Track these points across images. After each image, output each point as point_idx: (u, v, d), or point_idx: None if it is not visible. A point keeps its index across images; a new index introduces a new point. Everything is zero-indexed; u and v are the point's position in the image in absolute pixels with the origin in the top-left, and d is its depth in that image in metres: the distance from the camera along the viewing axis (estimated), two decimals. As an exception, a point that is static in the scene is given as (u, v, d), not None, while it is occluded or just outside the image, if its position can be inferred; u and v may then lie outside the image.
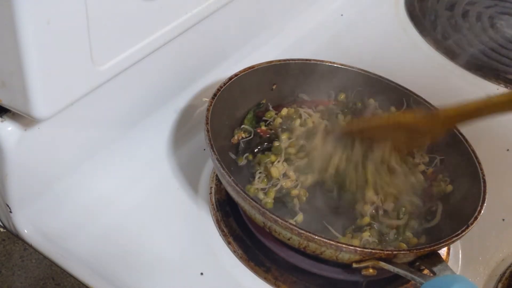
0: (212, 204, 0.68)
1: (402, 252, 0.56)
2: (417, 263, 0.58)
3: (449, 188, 0.68)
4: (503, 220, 0.72)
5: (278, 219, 0.56)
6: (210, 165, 0.73)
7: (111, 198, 0.67)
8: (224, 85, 0.68)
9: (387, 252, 0.56)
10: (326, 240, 0.55)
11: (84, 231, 0.64)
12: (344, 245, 0.55)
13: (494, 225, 0.69)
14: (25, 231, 0.61)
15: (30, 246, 0.61)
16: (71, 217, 0.64)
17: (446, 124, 0.66)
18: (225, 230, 0.66)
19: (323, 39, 0.93)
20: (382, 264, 0.56)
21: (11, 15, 0.45)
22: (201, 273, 0.62)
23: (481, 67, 0.93)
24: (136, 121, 0.70)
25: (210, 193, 0.69)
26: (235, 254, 0.65)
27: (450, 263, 0.65)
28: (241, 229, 0.66)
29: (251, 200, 0.58)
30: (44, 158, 0.60)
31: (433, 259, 0.57)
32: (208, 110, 0.65)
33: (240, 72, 0.70)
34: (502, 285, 0.65)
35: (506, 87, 0.90)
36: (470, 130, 0.70)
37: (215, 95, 0.67)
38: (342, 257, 0.56)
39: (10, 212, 0.60)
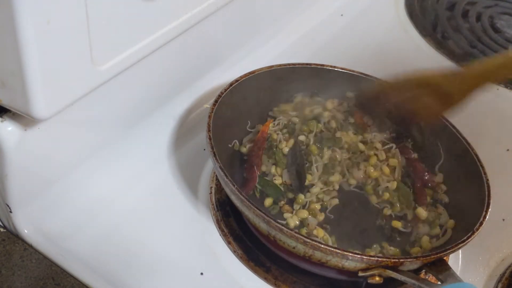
0: (212, 204, 0.68)
1: (408, 260, 0.56)
2: (424, 270, 0.58)
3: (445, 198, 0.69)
4: (503, 220, 0.72)
5: (283, 227, 0.56)
6: (210, 165, 0.73)
7: (111, 198, 0.67)
8: (225, 91, 0.68)
9: (394, 260, 0.56)
10: (332, 249, 0.55)
11: (84, 231, 0.64)
12: (350, 254, 0.55)
13: (494, 225, 0.69)
14: (25, 231, 0.61)
15: (30, 246, 0.61)
16: (71, 217, 0.64)
17: (473, 84, 0.64)
18: (225, 230, 0.66)
19: (323, 39, 0.93)
20: (389, 272, 0.56)
21: (11, 15, 0.45)
22: (201, 273, 0.62)
23: (481, 67, 0.93)
24: (136, 121, 0.70)
25: (210, 193, 0.69)
26: (235, 254, 0.65)
27: (450, 263, 0.64)
28: (241, 229, 0.66)
29: (255, 209, 0.58)
30: (44, 158, 0.60)
31: (439, 266, 0.57)
32: (209, 117, 0.65)
33: (241, 77, 0.70)
34: (502, 285, 0.65)
35: (506, 87, 0.90)
36: (470, 130, 0.70)
37: (216, 101, 0.67)
38: (348, 265, 0.56)
39: (10, 212, 0.60)
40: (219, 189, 0.69)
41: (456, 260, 0.67)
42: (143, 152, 0.71)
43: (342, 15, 0.98)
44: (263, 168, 0.70)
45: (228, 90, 0.69)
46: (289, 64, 0.74)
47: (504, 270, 0.67)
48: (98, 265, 0.61)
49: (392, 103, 0.69)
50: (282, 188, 0.68)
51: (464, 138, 0.69)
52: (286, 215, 0.65)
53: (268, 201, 0.67)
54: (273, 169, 0.69)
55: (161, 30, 0.60)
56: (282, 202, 0.67)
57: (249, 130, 0.73)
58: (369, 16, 1.00)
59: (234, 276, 0.63)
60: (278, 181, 0.68)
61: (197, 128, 0.75)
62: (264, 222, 0.58)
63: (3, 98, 0.52)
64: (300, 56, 0.82)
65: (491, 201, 0.62)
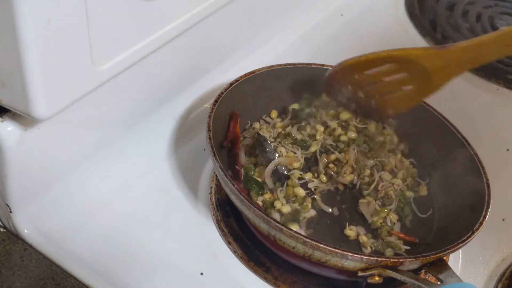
0: (212, 204, 0.68)
1: (408, 259, 0.56)
2: (424, 270, 0.58)
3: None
4: (503, 220, 0.72)
5: (283, 227, 0.56)
6: (210, 165, 0.73)
7: (111, 198, 0.67)
8: (225, 91, 0.68)
9: (393, 260, 0.56)
10: (332, 249, 0.55)
11: (84, 231, 0.64)
12: (349, 254, 0.55)
13: (494, 225, 0.69)
14: (25, 231, 0.61)
15: (30, 246, 0.61)
16: (71, 217, 0.64)
17: (458, 65, 0.57)
18: (225, 230, 0.66)
19: (323, 39, 0.93)
20: (388, 272, 0.56)
21: (11, 15, 0.45)
22: (201, 273, 0.62)
23: (481, 67, 0.92)
24: (136, 121, 0.70)
25: (210, 193, 0.69)
26: (235, 254, 0.65)
27: (450, 263, 0.64)
28: (241, 229, 0.66)
29: (255, 209, 0.58)
30: (44, 158, 0.60)
31: (439, 266, 0.57)
32: (209, 117, 0.65)
33: (241, 77, 0.70)
34: (502, 285, 0.65)
35: (506, 87, 0.90)
36: (470, 130, 0.70)
37: (216, 101, 0.67)
38: (348, 265, 0.56)
39: (10, 212, 0.60)
40: (219, 189, 0.69)
41: (456, 260, 0.68)
42: (143, 152, 0.71)
43: (342, 15, 0.98)
44: (244, 166, 0.69)
45: (228, 90, 0.69)
46: (289, 64, 0.74)
47: (504, 270, 0.67)
48: (98, 265, 0.61)
49: (358, 86, 0.63)
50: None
51: (464, 138, 0.69)
52: (276, 203, 0.65)
53: (253, 195, 0.66)
54: (252, 171, 0.68)
55: (161, 30, 0.60)
56: (265, 194, 0.66)
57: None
58: (369, 16, 1.00)
59: (234, 276, 0.63)
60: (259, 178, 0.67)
61: (197, 128, 0.75)
62: (264, 222, 0.58)
63: (3, 98, 0.52)
64: (300, 56, 0.82)
65: (491, 201, 0.62)
